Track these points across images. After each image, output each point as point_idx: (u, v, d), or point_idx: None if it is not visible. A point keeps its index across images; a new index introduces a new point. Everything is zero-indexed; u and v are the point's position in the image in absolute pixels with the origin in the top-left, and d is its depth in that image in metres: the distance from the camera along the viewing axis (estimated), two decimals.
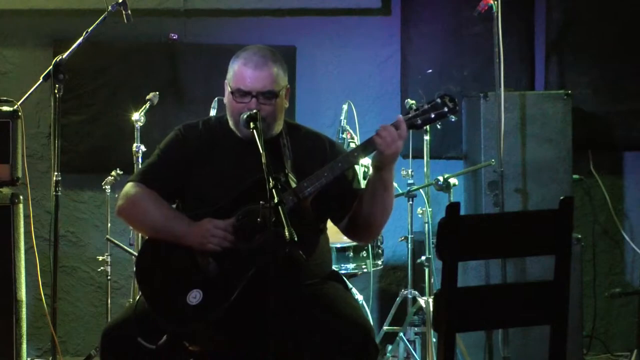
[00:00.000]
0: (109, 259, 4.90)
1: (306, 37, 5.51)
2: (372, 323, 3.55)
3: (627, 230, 5.57)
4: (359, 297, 4.57)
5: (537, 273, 4.68)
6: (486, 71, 5.08)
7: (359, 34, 5.54)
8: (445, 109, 3.35)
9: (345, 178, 3.42)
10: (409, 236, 4.76)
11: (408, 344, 4.72)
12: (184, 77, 5.40)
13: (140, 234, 4.38)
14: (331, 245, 3.69)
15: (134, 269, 3.43)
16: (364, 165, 4.37)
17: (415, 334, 4.79)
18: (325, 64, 5.55)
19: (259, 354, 3.14)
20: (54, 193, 4.33)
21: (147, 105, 4.82)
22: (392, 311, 4.83)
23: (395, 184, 4.65)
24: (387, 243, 4.95)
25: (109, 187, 4.87)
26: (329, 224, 3.52)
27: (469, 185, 5.13)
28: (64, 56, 4.32)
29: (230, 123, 3.44)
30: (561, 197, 2.88)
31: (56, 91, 4.28)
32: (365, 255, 4.60)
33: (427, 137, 4.73)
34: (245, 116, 3.32)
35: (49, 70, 4.30)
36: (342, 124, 4.80)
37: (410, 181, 4.73)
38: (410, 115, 3.36)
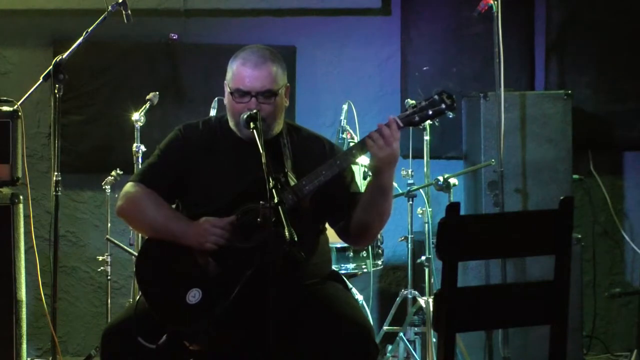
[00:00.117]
0: (109, 259, 4.90)
1: (306, 37, 5.51)
2: (372, 323, 3.55)
3: (627, 230, 5.57)
4: (359, 297, 4.57)
5: (537, 273, 4.68)
6: (486, 71, 5.08)
7: (359, 34, 5.54)
8: (443, 106, 3.35)
9: (343, 181, 3.42)
10: (409, 236, 4.76)
11: (408, 344, 4.72)
12: (184, 77, 5.40)
13: (140, 234, 4.38)
14: (331, 245, 3.70)
15: (134, 268, 3.43)
16: (364, 165, 4.37)
17: (415, 334, 4.79)
18: (325, 64, 5.55)
19: (258, 354, 3.15)
20: (54, 193, 4.33)
21: (147, 105, 4.82)
22: (392, 311, 4.83)
23: (395, 184, 4.66)
24: (387, 243, 4.95)
25: (109, 187, 4.87)
26: None
27: (469, 185, 5.13)
28: (64, 56, 4.32)
29: (231, 123, 3.44)
30: (561, 197, 2.88)
31: (56, 91, 4.28)
32: (365, 255, 4.60)
33: (427, 137, 4.73)
34: (245, 116, 3.32)
35: (49, 70, 4.30)
36: (342, 124, 4.80)
37: (410, 181, 4.73)
38: (408, 112, 3.36)
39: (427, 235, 4.71)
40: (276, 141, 3.43)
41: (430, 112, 3.34)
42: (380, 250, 4.70)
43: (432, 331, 4.57)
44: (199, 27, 5.45)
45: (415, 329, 4.79)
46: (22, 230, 4.45)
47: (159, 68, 5.40)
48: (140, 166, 4.58)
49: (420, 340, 4.83)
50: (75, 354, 5.48)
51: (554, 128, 4.91)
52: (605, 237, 5.58)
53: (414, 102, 3.45)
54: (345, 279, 3.66)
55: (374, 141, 3.24)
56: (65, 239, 5.43)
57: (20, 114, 4.48)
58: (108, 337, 3.27)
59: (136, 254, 4.44)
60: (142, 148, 4.76)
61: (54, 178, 4.33)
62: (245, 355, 3.26)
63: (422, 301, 4.66)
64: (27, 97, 4.49)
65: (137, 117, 4.77)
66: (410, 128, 4.86)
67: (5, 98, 4.54)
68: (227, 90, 3.43)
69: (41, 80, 4.36)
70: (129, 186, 3.45)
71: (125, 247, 4.87)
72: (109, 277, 4.92)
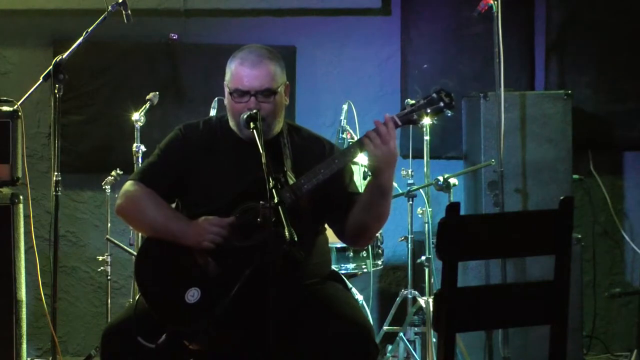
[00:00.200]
0: (109, 259, 4.90)
1: (306, 37, 5.51)
2: (372, 323, 3.55)
3: (627, 230, 5.57)
4: (359, 297, 4.57)
5: (537, 273, 4.68)
6: (486, 71, 5.08)
7: (359, 34, 5.54)
8: (442, 104, 3.35)
9: (342, 180, 3.41)
10: (409, 236, 4.76)
11: (408, 344, 4.72)
12: (184, 77, 5.40)
13: (140, 234, 4.38)
14: (331, 245, 3.69)
15: (133, 268, 3.43)
16: (364, 165, 4.37)
17: (415, 334, 4.79)
18: (325, 64, 5.56)
19: (258, 353, 3.15)
20: (54, 193, 4.33)
21: (147, 105, 4.82)
22: (392, 311, 4.83)
23: (395, 184, 4.66)
24: (387, 243, 4.95)
25: (109, 187, 4.87)
26: None
27: (469, 185, 5.13)
28: (64, 56, 4.32)
29: (231, 123, 3.44)
30: (561, 197, 2.88)
31: (56, 91, 4.28)
32: (365, 255, 4.60)
33: (427, 137, 4.73)
34: (245, 116, 3.32)
35: (49, 70, 4.30)
36: (342, 124, 4.80)
37: (410, 181, 4.73)
38: (406, 111, 3.36)
39: (427, 235, 4.71)
40: (276, 141, 3.43)
41: (429, 111, 3.35)
42: (380, 250, 4.70)
43: (432, 331, 4.56)
44: (199, 27, 5.45)
45: (415, 329, 4.79)
46: (22, 230, 4.45)
47: (159, 68, 5.40)
48: (140, 165, 4.58)
49: (420, 340, 4.83)
50: (75, 354, 5.48)
51: (554, 128, 4.91)
52: (605, 237, 5.58)
53: (413, 102, 3.45)
54: (345, 279, 3.66)
55: (371, 140, 3.24)
56: (65, 239, 5.43)
57: (20, 114, 4.48)
58: (108, 337, 3.27)
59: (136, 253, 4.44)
60: (142, 148, 4.76)
61: (54, 178, 4.33)
62: (245, 355, 3.26)
63: (422, 301, 4.66)
64: (27, 97, 4.49)
65: (137, 117, 4.77)
66: (411, 128, 4.89)
67: (5, 98, 4.54)
68: (226, 91, 3.43)
69: (41, 80, 4.36)
70: (128, 185, 3.46)
71: (125, 247, 4.87)
72: (109, 277, 4.92)
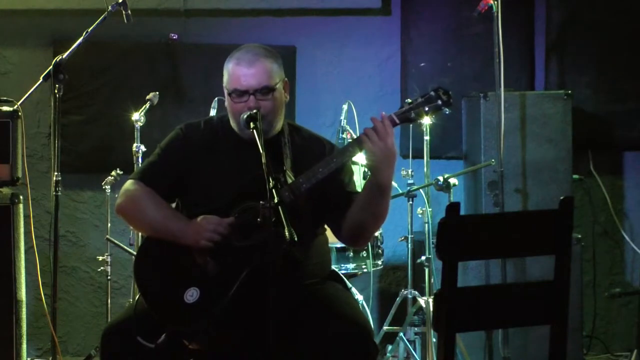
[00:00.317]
0: (109, 259, 4.90)
1: (306, 37, 5.51)
2: (372, 323, 3.55)
3: (627, 230, 5.57)
4: (359, 297, 4.57)
5: (537, 273, 4.68)
6: (486, 71, 5.08)
7: (359, 34, 5.54)
8: (439, 102, 3.35)
9: (341, 179, 3.41)
10: (409, 236, 4.76)
11: (408, 344, 4.72)
12: (184, 77, 5.40)
13: (140, 234, 4.38)
14: (331, 245, 3.69)
15: (133, 267, 3.43)
16: (364, 165, 4.37)
17: (415, 334, 4.79)
18: (325, 64, 5.56)
19: (258, 353, 3.15)
20: (54, 193, 4.33)
21: (147, 105, 4.82)
22: (392, 311, 4.83)
23: (395, 184, 4.66)
24: (387, 243, 4.95)
25: (109, 187, 4.87)
26: None
27: (469, 185, 5.13)
28: (64, 56, 4.31)
29: (232, 124, 3.44)
30: (561, 197, 2.88)
31: (56, 91, 4.28)
32: (365, 255, 4.60)
33: (427, 137, 4.73)
34: (245, 116, 3.32)
35: (49, 70, 4.30)
36: (342, 124, 4.80)
37: (410, 181, 4.73)
38: (404, 109, 3.36)
39: (427, 235, 4.71)
40: (277, 140, 3.43)
41: (427, 109, 3.35)
42: (380, 250, 4.70)
43: (432, 331, 4.57)
44: (199, 27, 5.45)
45: (415, 329, 4.79)
46: (22, 230, 4.45)
47: (159, 68, 5.40)
48: (140, 165, 4.58)
49: (420, 340, 4.83)
50: (75, 354, 5.48)
51: (554, 128, 4.91)
52: (605, 237, 5.58)
53: (411, 100, 3.45)
54: (345, 279, 3.66)
55: (368, 136, 3.24)
56: (65, 239, 5.43)
57: (20, 114, 4.48)
58: (108, 337, 3.27)
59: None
60: (142, 148, 4.76)
61: (54, 178, 4.33)
62: (245, 355, 3.26)
63: (422, 301, 4.66)
64: (27, 97, 4.49)
65: (137, 117, 4.77)
66: (411, 128, 4.89)
67: (5, 98, 4.54)
68: (225, 92, 3.44)
69: (41, 80, 4.36)
70: (128, 184, 3.46)
71: (125, 247, 4.87)
72: (109, 277, 4.92)
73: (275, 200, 2.98)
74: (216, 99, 4.62)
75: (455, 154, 5.33)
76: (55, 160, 4.34)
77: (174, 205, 3.52)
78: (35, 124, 5.44)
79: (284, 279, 3.03)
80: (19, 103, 4.49)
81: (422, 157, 4.79)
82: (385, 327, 4.85)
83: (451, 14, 5.42)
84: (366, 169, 4.37)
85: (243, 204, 3.27)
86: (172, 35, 5.31)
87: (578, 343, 4.89)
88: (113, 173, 4.88)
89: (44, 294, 4.59)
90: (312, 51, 5.52)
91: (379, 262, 4.70)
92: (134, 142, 4.78)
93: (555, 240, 2.88)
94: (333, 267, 3.65)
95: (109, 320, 4.83)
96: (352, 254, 4.57)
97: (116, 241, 4.89)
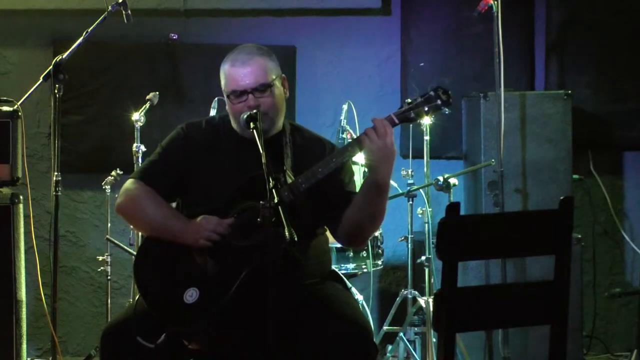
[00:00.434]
0: (109, 259, 4.90)
1: (306, 37, 5.51)
2: (372, 323, 3.55)
3: (627, 230, 5.57)
4: (359, 297, 4.57)
5: (537, 273, 4.68)
6: (486, 71, 5.08)
7: (359, 34, 5.54)
8: (439, 102, 3.35)
9: (341, 179, 3.41)
10: (409, 236, 4.76)
11: (408, 344, 4.72)
12: (184, 77, 5.40)
13: (140, 234, 4.38)
14: (331, 245, 3.69)
15: (133, 267, 3.43)
16: (364, 165, 4.36)
17: (415, 334, 4.79)
18: (325, 64, 5.56)
19: (258, 353, 3.15)
20: (54, 193, 4.33)
21: (147, 105, 4.82)
22: (392, 311, 4.83)
23: (395, 184, 4.67)
24: (387, 243, 4.95)
25: (109, 187, 4.87)
26: None
27: (469, 185, 5.13)
28: (64, 56, 4.31)
29: (234, 125, 3.44)
30: (561, 197, 2.88)
31: (56, 91, 4.28)
32: (365, 255, 4.60)
33: (427, 137, 4.73)
34: (245, 116, 3.32)
35: (49, 70, 4.30)
36: (342, 124, 4.80)
37: (410, 181, 4.73)
38: (403, 108, 3.36)
39: (427, 235, 4.71)
40: (278, 139, 3.43)
41: (427, 108, 3.34)
42: (380, 250, 4.70)
43: (432, 331, 4.57)
44: (199, 27, 5.45)
45: (415, 329, 4.79)
46: (22, 230, 4.45)
47: (159, 68, 5.40)
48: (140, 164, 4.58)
49: (420, 340, 4.83)
50: (75, 354, 5.48)
51: (554, 128, 4.91)
52: (605, 237, 5.58)
53: (411, 100, 3.45)
54: (344, 278, 3.65)
55: (367, 134, 3.24)
56: (65, 239, 5.43)
57: (20, 114, 4.48)
58: (108, 337, 3.27)
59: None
60: (142, 148, 4.76)
61: (54, 178, 4.33)
62: (245, 355, 3.26)
63: (422, 301, 4.66)
64: (27, 97, 4.49)
65: (137, 117, 4.78)
66: (411, 128, 4.89)
67: (5, 98, 4.54)
68: (225, 96, 3.44)
69: (41, 80, 4.36)
70: (129, 183, 3.46)
71: (125, 247, 4.87)
72: (109, 277, 4.92)
73: (275, 200, 2.98)
74: (216, 99, 4.62)
75: (455, 154, 5.33)
76: (55, 160, 4.33)
77: (174, 205, 3.52)
78: (35, 124, 5.44)
79: (284, 279, 3.03)
80: (19, 103, 4.49)
81: (422, 157, 4.79)
82: (385, 327, 4.85)
83: (451, 14, 5.42)
84: (366, 170, 4.37)
85: (243, 203, 3.27)
86: (172, 35, 5.31)
87: (578, 343, 4.89)
88: (113, 173, 4.88)
89: (44, 294, 4.59)
90: (312, 51, 5.52)
91: (379, 262, 4.70)
92: (134, 142, 4.78)
93: (555, 240, 2.88)
94: (333, 267, 3.65)
95: (109, 320, 4.83)
96: (352, 254, 4.57)
97: (116, 241, 4.89)
